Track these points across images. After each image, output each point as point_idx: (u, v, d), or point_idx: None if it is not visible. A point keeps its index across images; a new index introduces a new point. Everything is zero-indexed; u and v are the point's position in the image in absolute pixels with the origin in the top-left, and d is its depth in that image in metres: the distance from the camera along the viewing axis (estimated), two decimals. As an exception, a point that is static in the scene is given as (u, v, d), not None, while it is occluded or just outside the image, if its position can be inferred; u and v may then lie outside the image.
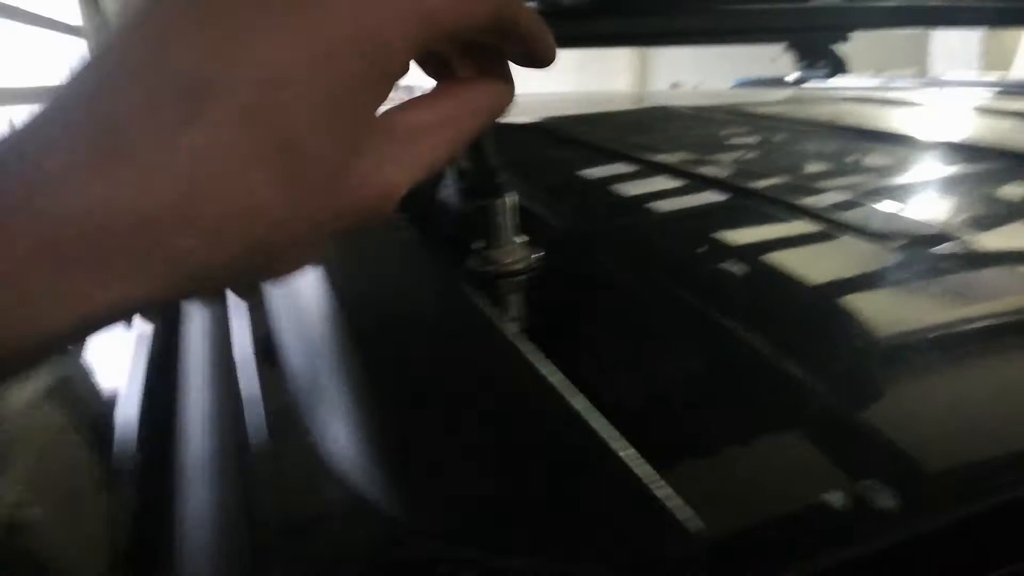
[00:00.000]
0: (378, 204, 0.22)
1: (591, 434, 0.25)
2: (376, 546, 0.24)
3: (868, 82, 1.57)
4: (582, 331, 0.39)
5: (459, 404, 0.28)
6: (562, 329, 0.38)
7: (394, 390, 0.29)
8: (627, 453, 0.24)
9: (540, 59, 0.27)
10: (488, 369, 0.30)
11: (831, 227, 0.52)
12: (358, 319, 0.34)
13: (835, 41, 1.51)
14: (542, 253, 0.42)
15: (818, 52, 1.51)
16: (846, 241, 0.50)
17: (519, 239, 0.41)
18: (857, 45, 1.54)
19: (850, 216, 0.53)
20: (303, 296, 0.40)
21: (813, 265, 0.48)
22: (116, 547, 0.48)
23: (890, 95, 1.42)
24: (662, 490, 0.22)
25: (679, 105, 1.37)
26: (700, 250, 0.52)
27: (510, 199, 0.40)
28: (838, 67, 1.53)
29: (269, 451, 0.30)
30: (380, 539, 0.24)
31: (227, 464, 0.35)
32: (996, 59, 3.88)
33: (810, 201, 0.57)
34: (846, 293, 0.44)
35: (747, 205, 0.61)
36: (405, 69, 0.23)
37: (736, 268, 0.48)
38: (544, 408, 0.27)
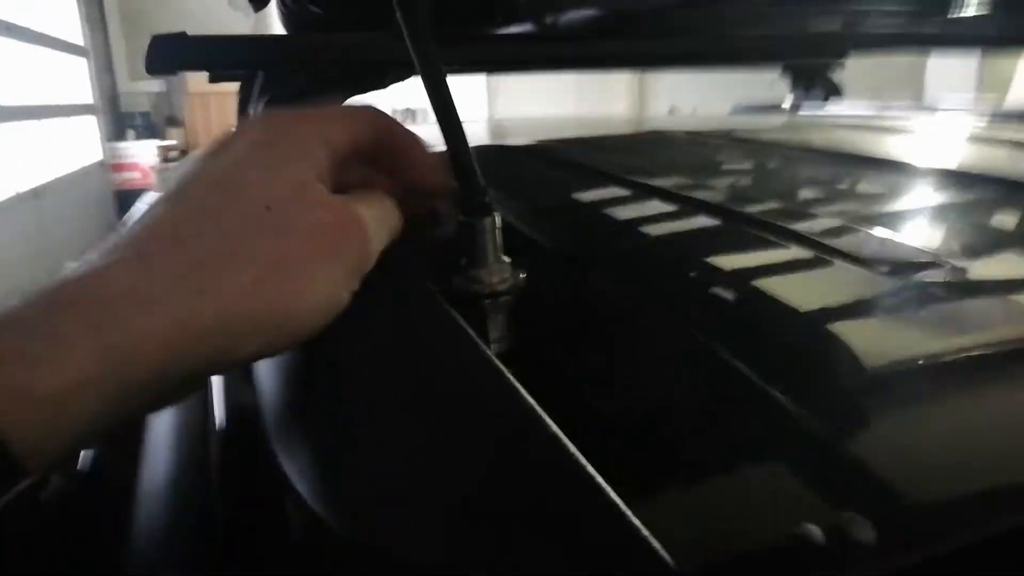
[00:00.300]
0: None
1: (565, 459, 0.24)
2: (340, 568, 0.23)
3: (863, 108, 1.58)
4: (565, 354, 0.38)
5: (430, 424, 0.28)
6: (544, 351, 0.38)
7: (365, 409, 0.29)
8: (599, 479, 0.23)
9: (427, 183, 0.37)
10: (465, 390, 0.30)
11: (823, 253, 0.52)
12: (331, 335, 0.33)
13: (831, 67, 1.52)
14: (525, 274, 0.41)
15: (814, 78, 1.53)
16: (837, 267, 0.50)
17: (503, 259, 0.41)
18: (853, 70, 1.55)
19: (842, 242, 0.53)
20: None
21: (802, 291, 0.48)
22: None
23: (885, 122, 1.43)
24: (634, 518, 0.21)
25: (674, 129, 1.38)
26: (688, 275, 0.52)
27: (495, 219, 0.40)
28: (834, 93, 1.54)
29: (230, 467, 0.29)
30: (346, 562, 0.23)
31: (187, 484, 0.34)
32: (992, 84, 3.91)
33: (803, 226, 0.57)
34: (835, 320, 0.43)
35: (739, 230, 0.61)
36: (334, 170, 0.32)
37: (724, 294, 0.48)
38: (518, 431, 0.26)
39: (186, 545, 0.32)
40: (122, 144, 6.95)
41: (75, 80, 6.27)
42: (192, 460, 0.35)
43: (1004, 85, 3.54)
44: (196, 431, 0.36)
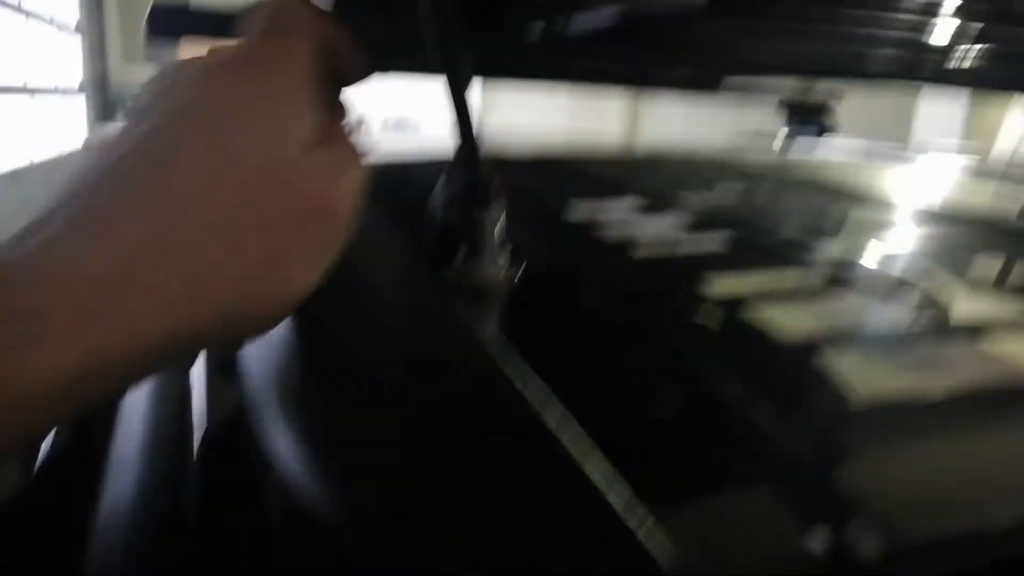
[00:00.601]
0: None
1: (564, 457, 0.23)
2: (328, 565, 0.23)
3: (857, 145, 1.60)
4: (557, 354, 0.38)
5: (431, 419, 0.27)
6: (538, 349, 0.38)
7: (362, 401, 0.28)
8: (604, 482, 0.22)
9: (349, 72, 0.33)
10: (467, 384, 0.29)
11: (812, 280, 0.52)
12: (331, 327, 0.32)
13: (827, 104, 1.54)
14: (523, 275, 0.41)
15: (809, 111, 1.54)
16: (831, 296, 0.50)
17: (504, 253, 0.40)
18: (843, 110, 1.57)
19: (830, 271, 0.53)
20: None
21: (790, 317, 0.48)
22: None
23: (877, 159, 1.45)
24: (636, 521, 0.21)
25: (671, 154, 1.39)
26: (688, 294, 0.52)
27: (498, 212, 0.39)
28: (828, 129, 1.56)
29: (218, 458, 0.28)
30: (332, 558, 0.22)
31: (160, 471, 0.33)
32: (979, 133, 3.98)
33: (792, 254, 0.57)
34: (821, 348, 0.43)
35: (734, 255, 0.61)
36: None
37: (721, 315, 0.48)
38: (520, 427, 0.26)
39: (156, 543, 0.31)
40: (110, 127, 6.88)
41: (67, 59, 6.20)
42: (169, 460, 0.34)
43: (991, 135, 3.61)
44: (172, 429, 0.35)
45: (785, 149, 1.55)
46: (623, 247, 0.65)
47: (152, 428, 0.37)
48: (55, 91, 5.92)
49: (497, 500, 0.22)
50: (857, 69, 1.09)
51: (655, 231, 0.68)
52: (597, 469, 0.23)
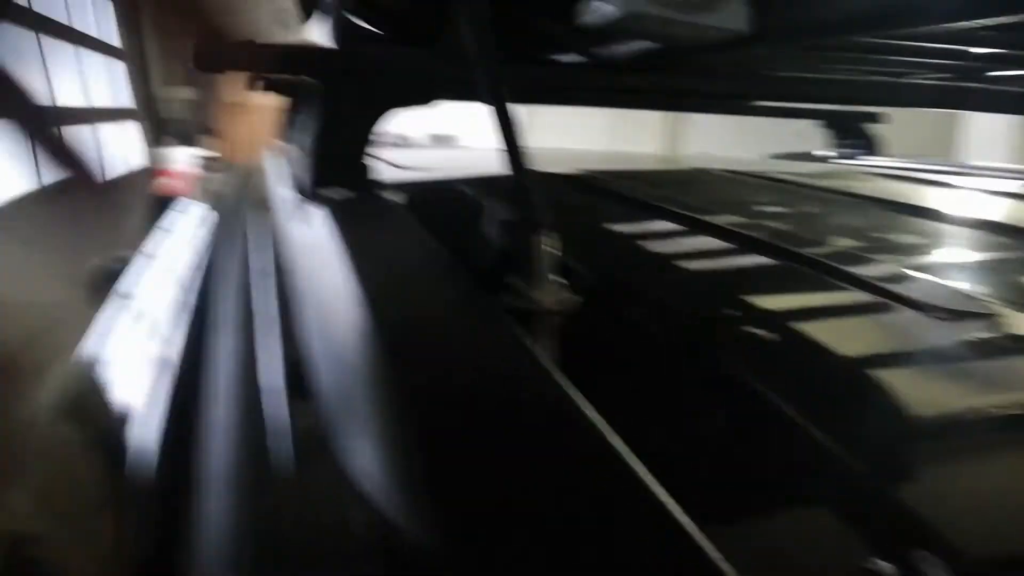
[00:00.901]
0: None
1: (631, 478, 0.24)
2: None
3: (899, 161, 1.58)
4: (615, 379, 0.39)
5: (493, 437, 0.28)
6: (596, 374, 0.38)
7: (427, 419, 0.29)
8: (667, 499, 0.23)
9: None
10: (527, 404, 0.30)
11: (868, 296, 0.52)
12: (393, 346, 0.33)
13: (868, 120, 1.53)
14: (579, 299, 0.42)
15: (850, 130, 1.54)
16: (885, 311, 0.50)
17: (556, 280, 0.42)
18: (885, 130, 1.56)
19: (889, 287, 0.53)
20: (336, 320, 0.40)
21: (851, 334, 0.48)
22: (123, 563, 0.48)
23: (924, 175, 1.43)
24: (702, 540, 0.21)
25: (718, 168, 1.39)
26: (739, 310, 0.52)
27: (550, 239, 0.41)
28: (870, 146, 1.55)
29: (293, 476, 0.29)
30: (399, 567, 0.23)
31: (247, 489, 0.35)
32: (1022, 158, 3.90)
33: (848, 269, 0.57)
34: (880, 365, 0.43)
35: (785, 270, 0.61)
36: None
37: (777, 332, 0.48)
38: (582, 446, 0.26)
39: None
40: (165, 151, 7.01)
41: (113, 84, 6.36)
42: (250, 472, 0.35)
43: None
44: (258, 447, 0.36)
45: (828, 166, 1.54)
46: (669, 263, 0.66)
47: (239, 447, 0.38)
48: (115, 115, 6.07)
49: (569, 526, 0.23)
50: (901, 98, 1.09)
51: (698, 247, 0.69)
52: (663, 493, 0.23)
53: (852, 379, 0.42)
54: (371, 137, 0.67)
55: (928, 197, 1.16)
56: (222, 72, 0.73)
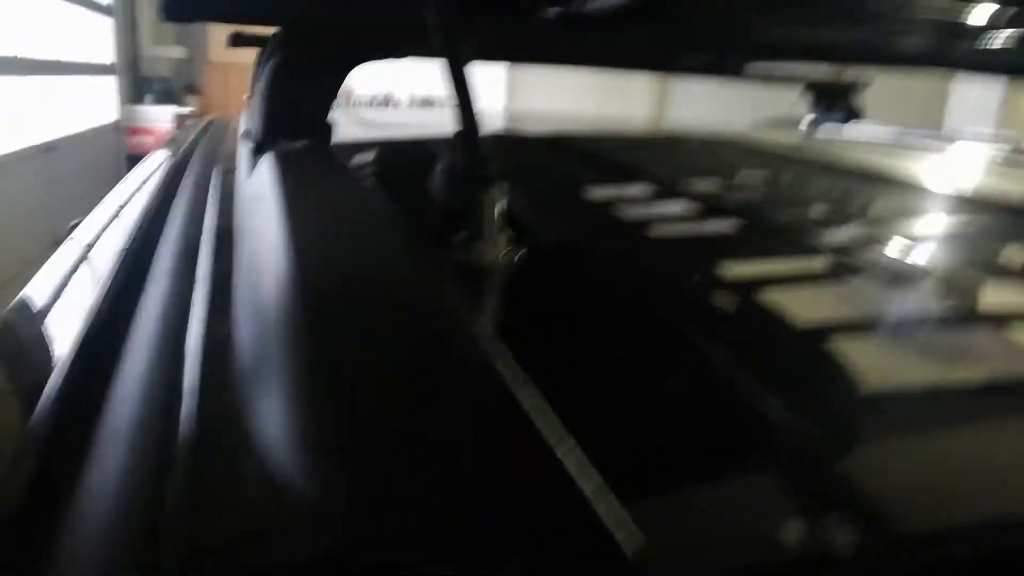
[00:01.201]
0: None
1: (540, 441, 0.23)
2: (297, 544, 0.22)
3: (883, 131, 1.57)
4: (554, 338, 0.38)
5: (410, 399, 0.27)
6: (535, 333, 0.37)
7: (344, 382, 0.28)
8: (575, 466, 0.22)
9: None
10: (449, 365, 0.29)
11: (832, 265, 0.51)
12: (323, 308, 0.32)
13: (852, 88, 1.51)
14: (525, 250, 0.41)
15: (835, 98, 1.52)
16: (845, 280, 0.49)
17: (503, 234, 0.40)
18: (874, 96, 1.54)
19: (852, 257, 0.52)
20: (262, 276, 0.39)
21: (805, 302, 0.47)
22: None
23: (906, 145, 1.42)
24: (602, 504, 0.21)
25: (692, 134, 1.37)
26: (691, 276, 0.51)
27: (498, 193, 0.39)
28: (854, 114, 1.54)
29: (200, 438, 0.28)
30: (303, 537, 0.22)
31: (147, 457, 0.32)
32: (1013, 123, 3.89)
33: (814, 238, 0.56)
34: (831, 333, 0.43)
35: (746, 237, 0.60)
36: None
37: (725, 298, 0.47)
38: (497, 410, 0.25)
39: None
40: (139, 108, 6.94)
41: (98, 39, 6.26)
42: (156, 444, 0.33)
43: (1024, 124, 3.52)
44: (162, 409, 0.34)
45: (810, 133, 1.53)
46: (636, 228, 0.64)
47: (142, 408, 0.36)
48: (87, 69, 5.99)
49: (472, 489, 0.22)
50: (888, 55, 1.07)
51: (669, 212, 0.68)
52: (570, 456, 0.22)
53: (804, 348, 0.41)
54: (328, 91, 0.65)
55: (906, 166, 1.16)
56: (190, 21, 0.71)
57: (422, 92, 5.67)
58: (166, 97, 7.33)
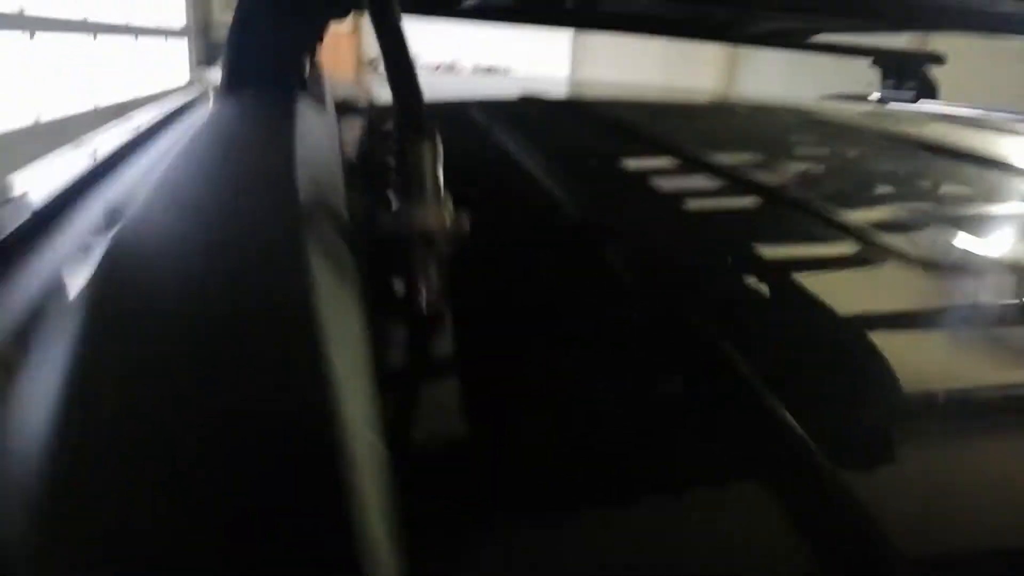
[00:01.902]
0: None
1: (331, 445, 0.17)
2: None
3: (957, 108, 1.48)
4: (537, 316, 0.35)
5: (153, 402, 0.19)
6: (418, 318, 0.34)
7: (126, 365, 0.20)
8: (355, 478, 0.17)
9: None
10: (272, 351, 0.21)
11: (869, 247, 0.48)
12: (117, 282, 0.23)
13: (926, 63, 1.43)
14: (466, 223, 0.34)
15: (906, 73, 1.43)
16: (882, 264, 0.46)
17: (444, 198, 0.34)
18: (955, 73, 1.45)
19: (894, 239, 0.49)
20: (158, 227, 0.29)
21: (829, 286, 0.44)
22: None
23: (981, 121, 1.33)
24: (378, 526, 0.17)
25: (747, 104, 1.32)
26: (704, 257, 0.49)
27: (436, 146, 0.34)
28: (927, 91, 1.45)
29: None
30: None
31: None
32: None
33: (856, 217, 0.53)
34: (856, 320, 0.40)
35: (784, 214, 0.57)
36: None
37: (751, 282, 0.45)
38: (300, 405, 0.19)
39: None
40: (209, 70, 7.08)
41: (171, 6, 6.40)
42: None
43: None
44: None
45: (875, 110, 1.45)
46: (648, 201, 0.62)
47: None
48: (159, 32, 6.13)
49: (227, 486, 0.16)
50: (967, 21, 1.00)
51: (688, 185, 0.65)
52: (369, 460, 0.18)
53: (834, 337, 0.38)
54: (297, 40, 0.60)
55: (978, 144, 1.09)
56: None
57: (487, 61, 5.63)
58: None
